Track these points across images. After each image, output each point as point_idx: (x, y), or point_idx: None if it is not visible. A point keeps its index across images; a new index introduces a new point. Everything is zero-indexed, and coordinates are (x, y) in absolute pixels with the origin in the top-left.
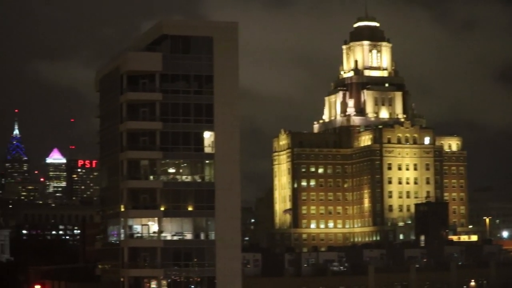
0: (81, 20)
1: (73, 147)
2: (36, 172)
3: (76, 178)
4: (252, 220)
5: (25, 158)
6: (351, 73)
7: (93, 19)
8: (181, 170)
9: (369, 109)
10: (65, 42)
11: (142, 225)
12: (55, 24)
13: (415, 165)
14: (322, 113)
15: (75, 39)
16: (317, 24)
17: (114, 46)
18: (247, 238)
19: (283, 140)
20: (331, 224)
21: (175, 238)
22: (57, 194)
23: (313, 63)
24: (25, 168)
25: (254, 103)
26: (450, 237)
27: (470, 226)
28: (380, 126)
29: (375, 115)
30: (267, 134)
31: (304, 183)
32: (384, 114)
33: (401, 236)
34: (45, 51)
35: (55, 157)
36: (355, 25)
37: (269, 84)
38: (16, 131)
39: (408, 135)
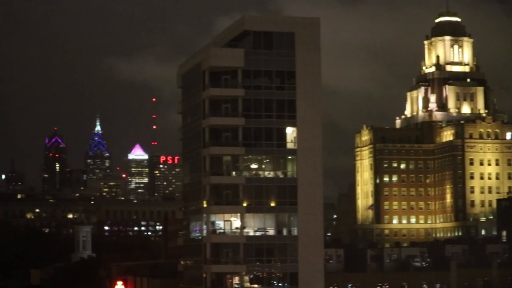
0: (155, 17)
1: (155, 143)
2: (118, 168)
3: (158, 174)
4: (334, 216)
5: (107, 155)
6: (433, 69)
7: (167, 16)
8: (263, 166)
9: (451, 104)
10: (140, 39)
11: (225, 221)
12: (130, 21)
13: (496, 160)
14: (403, 108)
15: (150, 36)
16: (395, 19)
17: (188, 43)
18: (329, 234)
19: (365, 136)
20: (413, 220)
21: (258, 233)
22: (139, 190)
23: (390, 58)
24: (107, 165)
25: (331, 98)
26: None
27: None
28: (462, 122)
29: (457, 110)
30: (344, 129)
31: (386, 179)
32: (466, 109)
33: (483, 232)
34: (120, 48)
35: (137, 153)
36: (437, 21)
37: (345, 79)
38: (98, 128)
39: (489, 130)
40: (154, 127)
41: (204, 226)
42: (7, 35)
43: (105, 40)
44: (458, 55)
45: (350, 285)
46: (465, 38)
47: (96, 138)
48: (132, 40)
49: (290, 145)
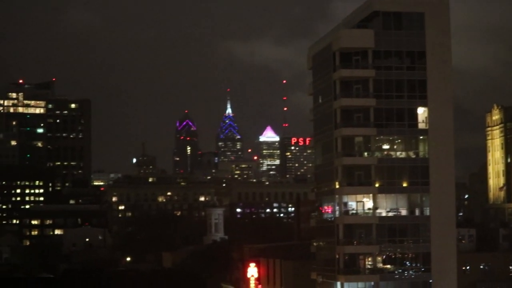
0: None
1: (286, 124)
2: (249, 150)
3: (289, 156)
4: (466, 196)
5: (238, 137)
6: None
7: None
8: (395, 146)
9: None
10: (257, 22)
11: (357, 201)
12: (246, 4)
13: None
14: None
15: (266, 18)
16: None
17: (304, 25)
18: (461, 214)
19: (495, 115)
20: None
21: (390, 214)
22: (271, 172)
23: (509, 36)
24: (238, 147)
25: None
26: None
27: None
28: None
29: None
30: (467, 108)
31: None
32: None
33: None
34: (237, 30)
35: (269, 135)
36: None
37: (466, 58)
38: (229, 110)
39: None
40: (285, 109)
41: (337, 207)
42: (137, 22)
43: (222, 23)
44: None
45: (482, 265)
46: None
47: (227, 121)
48: (249, 23)
49: (421, 125)
